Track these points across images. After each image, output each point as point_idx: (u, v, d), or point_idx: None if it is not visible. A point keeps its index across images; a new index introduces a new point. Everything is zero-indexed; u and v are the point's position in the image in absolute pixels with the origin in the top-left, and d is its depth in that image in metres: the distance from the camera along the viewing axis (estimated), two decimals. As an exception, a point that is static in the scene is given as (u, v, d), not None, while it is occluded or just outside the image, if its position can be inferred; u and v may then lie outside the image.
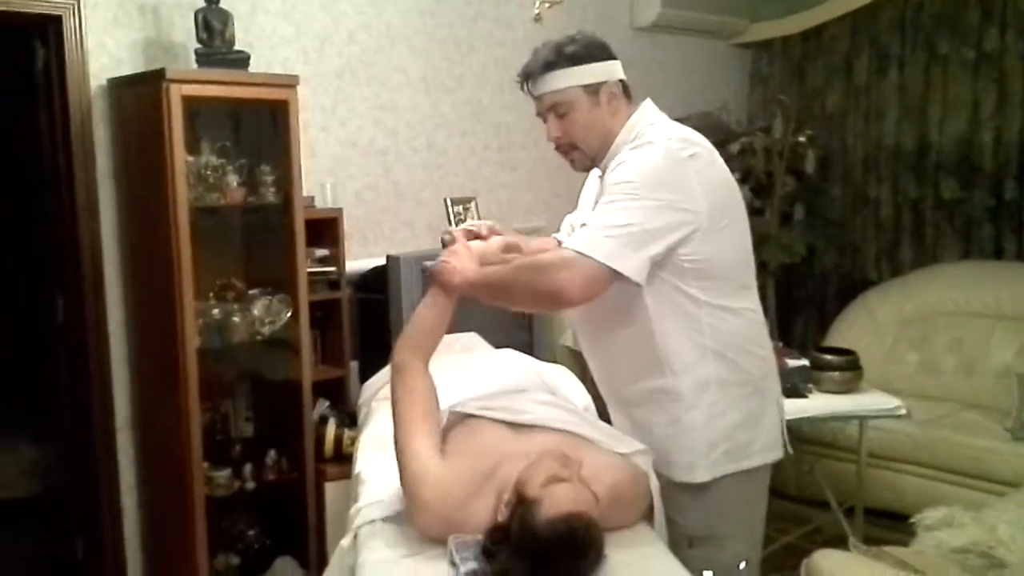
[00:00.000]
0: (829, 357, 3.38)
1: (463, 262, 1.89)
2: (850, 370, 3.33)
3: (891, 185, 4.76)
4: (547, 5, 2.22)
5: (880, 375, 3.50)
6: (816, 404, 3.13)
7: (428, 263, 1.98)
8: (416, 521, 1.72)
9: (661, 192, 1.77)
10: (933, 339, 4.25)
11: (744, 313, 1.93)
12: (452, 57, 3.87)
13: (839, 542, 2.96)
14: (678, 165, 1.80)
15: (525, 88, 1.95)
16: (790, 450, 2.05)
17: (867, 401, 3.33)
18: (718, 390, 1.90)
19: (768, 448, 1.98)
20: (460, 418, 1.90)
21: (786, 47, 5.10)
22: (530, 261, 1.88)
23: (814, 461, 3.67)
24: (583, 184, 2.16)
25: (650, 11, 4.49)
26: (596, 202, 1.92)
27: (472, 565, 1.56)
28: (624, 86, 1.95)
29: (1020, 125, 4.30)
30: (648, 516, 1.84)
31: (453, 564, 1.59)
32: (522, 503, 1.56)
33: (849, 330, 4.39)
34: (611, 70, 1.93)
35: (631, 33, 4.54)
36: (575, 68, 1.89)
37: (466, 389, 2.11)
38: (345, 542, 1.91)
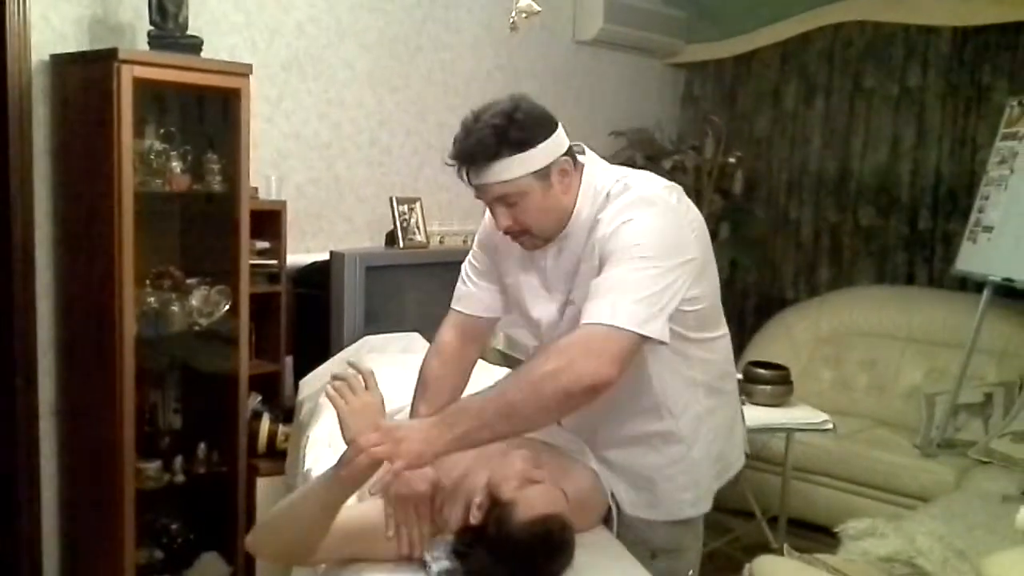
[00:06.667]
0: (762, 371, 3.48)
1: (405, 433, 1.56)
2: (782, 384, 3.46)
3: (812, 209, 4.95)
4: (524, 16, 2.24)
5: (796, 390, 3.65)
6: (750, 416, 3.18)
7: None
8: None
9: (673, 254, 1.63)
10: (847, 358, 4.44)
11: (723, 338, 1.90)
12: (400, 56, 3.86)
13: (760, 550, 3.08)
14: (677, 217, 1.71)
15: (463, 174, 1.70)
16: (747, 450, 2.04)
17: (798, 415, 3.44)
18: (709, 419, 1.88)
19: (739, 456, 2.00)
20: None
21: (719, 70, 5.24)
22: (531, 370, 1.56)
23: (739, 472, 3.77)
24: None
25: (592, 26, 4.57)
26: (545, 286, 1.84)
27: (445, 564, 1.57)
28: (570, 153, 1.74)
29: (937, 159, 4.51)
30: (604, 521, 1.88)
31: (423, 563, 1.60)
32: (496, 505, 1.56)
33: (768, 346, 4.53)
34: (558, 144, 1.70)
35: (573, 46, 4.61)
36: (523, 155, 1.65)
37: (410, 391, 2.06)
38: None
